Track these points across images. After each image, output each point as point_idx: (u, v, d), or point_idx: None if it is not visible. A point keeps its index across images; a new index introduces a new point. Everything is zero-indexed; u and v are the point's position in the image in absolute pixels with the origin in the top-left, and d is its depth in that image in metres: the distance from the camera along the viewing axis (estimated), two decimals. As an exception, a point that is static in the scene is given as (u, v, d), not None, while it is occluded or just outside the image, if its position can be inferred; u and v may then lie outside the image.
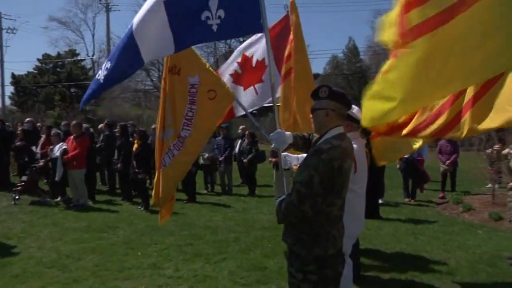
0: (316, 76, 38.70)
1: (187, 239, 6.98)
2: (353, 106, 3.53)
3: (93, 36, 52.39)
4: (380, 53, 43.92)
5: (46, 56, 39.67)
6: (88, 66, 43.75)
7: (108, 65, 3.42)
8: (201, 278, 5.27)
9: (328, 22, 76.92)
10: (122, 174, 10.35)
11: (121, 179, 10.72)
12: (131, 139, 10.67)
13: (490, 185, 10.72)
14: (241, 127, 14.11)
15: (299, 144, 3.36)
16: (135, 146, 9.67)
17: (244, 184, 12.91)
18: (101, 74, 3.47)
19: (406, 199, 10.75)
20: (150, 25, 3.37)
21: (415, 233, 7.55)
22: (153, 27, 3.36)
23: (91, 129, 12.71)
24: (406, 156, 9.65)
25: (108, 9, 34.86)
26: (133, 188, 10.31)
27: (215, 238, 7.08)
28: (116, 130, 11.24)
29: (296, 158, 4.05)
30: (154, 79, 42.89)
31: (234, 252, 6.30)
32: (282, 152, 3.68)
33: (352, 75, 49.08)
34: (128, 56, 3.40)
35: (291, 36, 5.39)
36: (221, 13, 3.37)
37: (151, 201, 4.99)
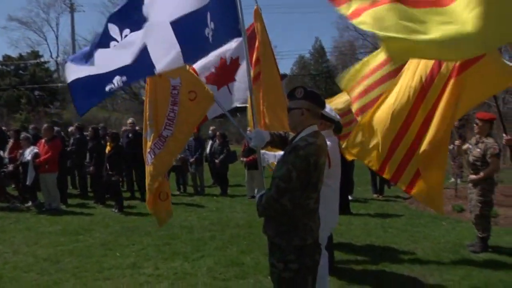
0: (284, 76, 38.81)
1: (164, 239, 7.08)
2: (326, 105, 3.74)
3: (56, 37, 51.46)
4: (346, 54, 44.78)
5: (7, 58, 38.67)
6: (52, 68, 42.95)
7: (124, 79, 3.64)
8: (181, 275, 5.40)
9: (295, 23, 77.69)
10: (95, 177, 10.33)
11: (94, 182, 10.69)
12: (102, 141, 10.66)
13: (453, 179, 11.20)
14: (211, 128, 14.27)
15: (276, 142, 3.53)
16: (108, 148, 9.69)
17: (216, 184, 13.06)
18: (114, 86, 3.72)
19: (375, 195, 11.12)
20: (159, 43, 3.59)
21: (384, 226, 7.88)
22: (162, 44, 3.57)
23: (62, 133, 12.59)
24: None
25: (72, 10, 34.24)
26: (107, 191, 10.30)
27: (192, 237, 7.21)
28: (87, 133, 11.19)
29: (273, 156, 4.24)
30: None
31: (211, 250, 6.45)
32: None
33: (319, 75, 49.69)
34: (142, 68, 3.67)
35: (257, 43, 5.56)
36: (212, 25, 3.58)
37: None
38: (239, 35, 3.75)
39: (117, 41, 3.82)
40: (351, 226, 7.84)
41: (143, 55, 3.57)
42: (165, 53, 3.52)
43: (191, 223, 8.31)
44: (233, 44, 5.19)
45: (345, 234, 7.23)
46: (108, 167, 9.53)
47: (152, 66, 3.55)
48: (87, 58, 3.94)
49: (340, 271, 5.40)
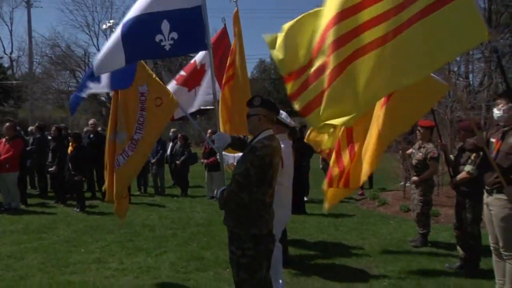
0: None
1: (127, 236, 7.36)
2: (281, 111, 4.19)
3: (10, 32, 49.84)
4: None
5: (-43, 53, 37.32)
6: (6, 65, 41.70)
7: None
8: (145, 269, 5.72)
9: (256, 27, 78.44)
10: (56, 176, 10.41)
11: (55, 182, 10.75)
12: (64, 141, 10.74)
13: (402, 182, 11.93)
14: (172, 130, 14.52)
15: (236, 144, 3.98)
16: (70, 148, 9.81)
17: (176, 185, 13.33)
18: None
19: (329, 196, 11.68)
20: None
21: (336, 225, 8.40)
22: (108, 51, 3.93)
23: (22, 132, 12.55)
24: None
25: (29, 5, 33.41)
26: (68, 190, 10.40)
27: (154, 235, 7.52)
28: (48, 132, 11.24)
29: (233, 157, 4.66)
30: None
31: (173, 246, 6.78)
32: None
33: (279, 79, 50.36)
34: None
35: (233, 46, 6.02)
36: (174, 35, 3.93)
37: (106, 197, 5.35)
38: (204, 49, 4.14)
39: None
40: (305, 225, 8.33)
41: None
42: (110, 56, 3.89)
43: (152, 221, 8.59)
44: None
45: (299, 232, 7.71)
46: (70, 167, 9.67)
47: (94, 68, 3.95)
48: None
49: (294, 264, 5.85)
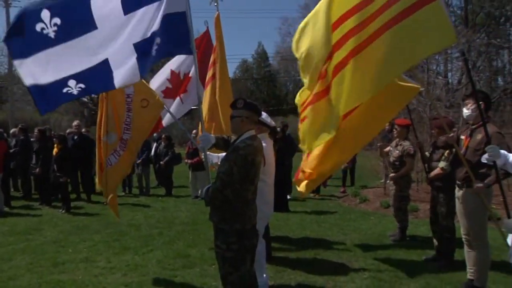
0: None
1: (113, 236, 7.48)
2: (263, 113, 4.39)
3: (-11, 32, 49.00)
4: (288, 59, 46.05)
5: None
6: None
7: (81, 86, 4.08)
8: (133, 267, 5.86)
9: (239, 27, 78.74)
10: (41, 178, 10.45)
11: (40, 184, 10.79)
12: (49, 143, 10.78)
13: (383, 179, 12.24)
14: (156, 131, 14.59)
15: (220, 144, 4.20)
16: (55, 150, 9.87)
17: (160, 185, 13.45)
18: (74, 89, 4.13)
19: (312, 194, 11.91)
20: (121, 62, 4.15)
21: (318, 222, 8.64)
22: (124, 63, 4.15)
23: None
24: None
25: (7, 4, 32.97)
26: (54, 192, 10.45)
27: (140, 234, 7.65)
28: (31, 134, 11.26)
29: (217, 157, 4.86)
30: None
31: (160, 244, 6.93)
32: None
33: (262, 79, 50.63)
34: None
35: (214, 47, 6.26)
36: (159, 40, 4.10)
37: (104, 196, 5.54)
38: (189, 53, 4.33)
39: (46, 26, 4.25)
40: (288, 222, 8.55)
41: (103, 68, 4.07)
42: (126, 70, 4.05)
43: (138, 221, 8.72)
44: (186, 60, 5.85)
45: (282, 229, 7.91)
46: (55, 168, 9.73)
47: (112, 80, 4.06)
48: (31, 49, 4.30)
49: (277, 259, 6.05)
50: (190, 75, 6.32)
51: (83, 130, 12.36)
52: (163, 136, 13.12)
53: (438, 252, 6.03)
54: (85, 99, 34.27)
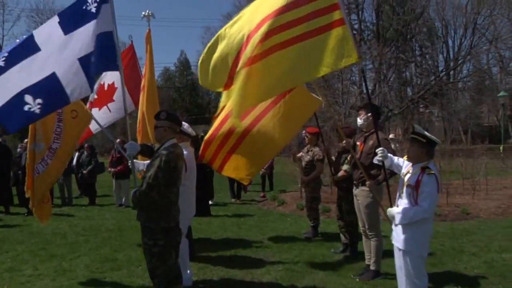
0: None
1: (38, 245, 7.54)
2: (184, 123, 4.90)
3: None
4: (210, 68, 46.43)
5: None
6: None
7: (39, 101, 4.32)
8: (61, 272, 6.03)
9: (162, 35, 78.09)
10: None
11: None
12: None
13: (299, 184, 13.07)
14: (77, 139, 14.46)
15: (145, 151, 4.64)
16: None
17: (83, 195, 13.40)
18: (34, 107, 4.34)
19: (233, 199, 12.56)
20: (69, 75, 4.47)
21: (239, 224, 9.21)
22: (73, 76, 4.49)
23: None
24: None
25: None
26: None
27: (66, 242, 7.78)
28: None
29: (143, 164, 5.29)
30: None
31: (86, 250, 7.13)
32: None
33: (184, 87, 50.64)
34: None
35: (145, 61, 6.73)
36: (93, 58, 4.51)
37: (30, 205, 5.61)
38: (116, 69, 4.76)
39: None
40: (210, 225, 9.04)
41: (53, 81, 4.36)
42: (76, 83, 4.40)
43: (63, 229, 8.79)
44: (108, 72, 6.23)
45: (205, 231, 8.39)
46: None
47: (66, 95, 4.37)
48: None
49: (199, 258, 6.53)
50: (115, 85, 6.75)
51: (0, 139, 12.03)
52: (85, 145, 13.03)
53: (344, 245, 6.82)
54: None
